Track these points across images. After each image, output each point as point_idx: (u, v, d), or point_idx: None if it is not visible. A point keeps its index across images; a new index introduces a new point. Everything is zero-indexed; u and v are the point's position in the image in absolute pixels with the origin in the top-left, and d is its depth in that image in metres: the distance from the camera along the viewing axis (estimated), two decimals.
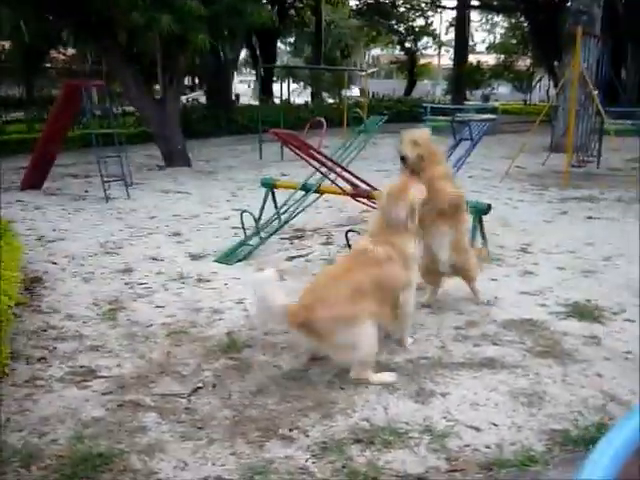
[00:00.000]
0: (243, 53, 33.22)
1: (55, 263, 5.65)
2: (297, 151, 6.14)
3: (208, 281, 5.10)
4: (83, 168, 11.99)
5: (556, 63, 24.88)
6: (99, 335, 3.98)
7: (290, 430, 2.84)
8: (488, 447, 2.70)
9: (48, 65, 24.04)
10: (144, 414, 3.00)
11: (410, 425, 2.85)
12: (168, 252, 6.02)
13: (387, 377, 3.28)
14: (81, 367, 3.53)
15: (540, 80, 41.92)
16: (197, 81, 38.70)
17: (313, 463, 2.60)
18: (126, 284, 5.05)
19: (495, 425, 2.86)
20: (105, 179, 9.02)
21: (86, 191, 9.66)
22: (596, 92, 11.16)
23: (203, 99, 25.66)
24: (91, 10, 10.37)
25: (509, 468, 2.54)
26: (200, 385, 3.30)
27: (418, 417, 2.92)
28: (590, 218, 7.55)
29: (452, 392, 3.15)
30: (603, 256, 5.74)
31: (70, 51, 21.48)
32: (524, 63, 42.17)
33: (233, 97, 27.24)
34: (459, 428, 2.84)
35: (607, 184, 10.11)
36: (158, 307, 4.49)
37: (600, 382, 3.26)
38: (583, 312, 4.24)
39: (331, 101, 32.92)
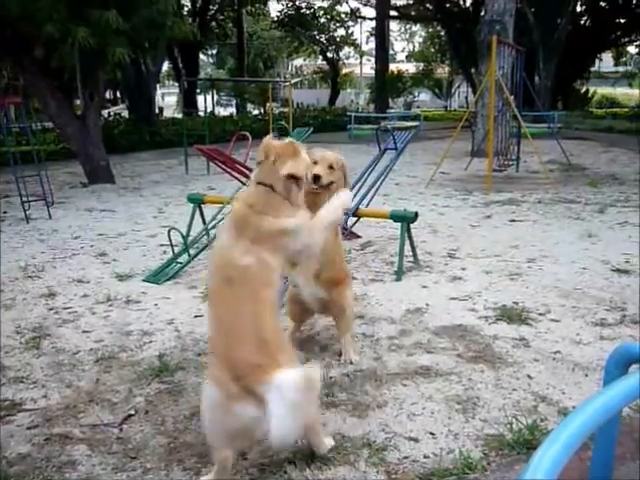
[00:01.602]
0: (165, 65, 32.80)
1: None
2: (222, 166, 6.08)
3: (137, 302, 4.95)
4: (0, 188, 11.51)
5: (473, 70, 25.66)
6: (23, 365, 3.79)
7: None
8: (427, 457, 2.72)
9: None
10: (73, 447, 2.87)
11: (349, 440, 2.84)
12: (94, 273, 5.82)
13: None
14: (4, 401, 3.35)
15: (459, 87, 43.24)
16: (119, 94, 37.95)
17: None
18: (50, 309, 4.84)
19: (432, 434, 2.88)
20: (24, 199, 8.67)
21: (4, 212, 9.26)
22: (512, 98, 11.55)
23: (126, 113, 25.16)
24: (4, 23, 9.98)
25: (448, 477, 2.56)
26: (132, 412, 3.18)
27: (357, 431, 2.91)
28: (513, 221, 7.78)
29: (389, 403, 3.16)
30: (528, 258, 5.92)
31: None
32: (443, 71, 43.38)
33: (157, 110, 26.82)
34: (397, 440, 2.84)
35: (527, 186, 10.47)
36: (85, 332, 4.33)
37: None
38: (511, 315, 4.35)
39: (256, 112, 32.89)
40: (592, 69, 39.06)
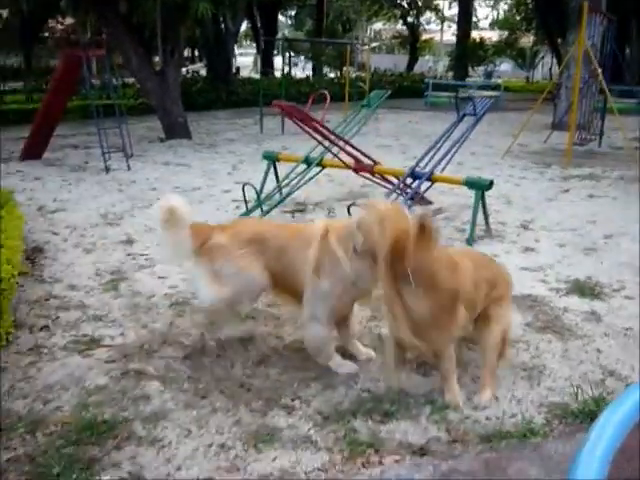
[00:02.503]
0: (244, 25, 32.90)
1: (56, 233, 5.65)
2: (300, 124, 6.12)
3: None
4: (83, 139, 11.95)
5: (560, 40, 24.64)
6: (102, 305, 3.99)
7: (292, 400, 2.87)
8: (488, 419, 2.73)
9: (46, 35, 23.80)
10: (147, 383, 3.02)
11: (412, 397, 2.88)
12: None
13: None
14: (84, 336, 3.55)
15: (543, 58, 41.61)
16: (197, 53, 38.38)
17: (315, 432, 2.63)
18: (128, 255, 5.06)
19: (496, 398, 2.88)
20: (105, 150, 8.99)
21: (86, 162, 9.63)
22: (600, 70, 11.08)
23: (203, 71, 25.46)
24: None
25: (509, 439, 2.57)
26: (204, 353, 3.33)
27: (421, 389, 2.95)
28: (592, 196, 7.54)
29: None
30: (605, 234, 5.75)
31: (69, 20, 21.22)
32: (527, 40, 41.79)
33: (234, 70, 27.02)
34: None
35: (609, 162, 10.09)
36: (160, 278, 4.50)
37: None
38: (583, 289, 4.26)
39: (332, 75, 32.68)
40: None
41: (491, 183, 5.42)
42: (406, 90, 24.78)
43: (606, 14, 12.25)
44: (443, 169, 6.21)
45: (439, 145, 6.16)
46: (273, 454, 2.50)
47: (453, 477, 2.35)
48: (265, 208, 5.98)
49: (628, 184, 8.35)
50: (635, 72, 21.23)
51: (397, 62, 39.98)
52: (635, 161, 9.69)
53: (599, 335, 3.58)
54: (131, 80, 16.33)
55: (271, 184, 6.64)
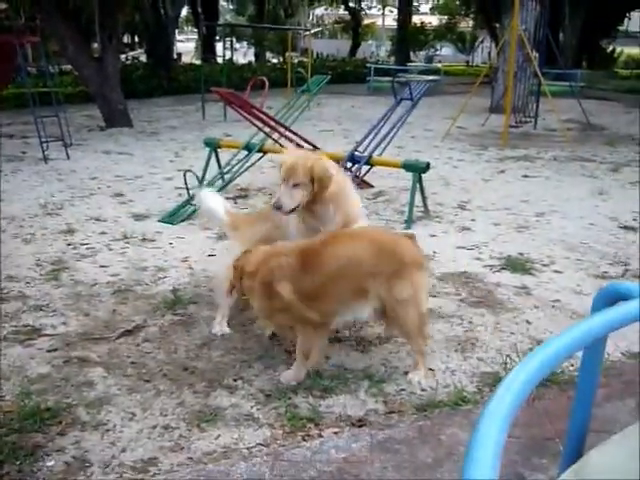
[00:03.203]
0: (185, 10, 32.38)
1: None
2: (239, 110, 6.14)
3: (152, 240, 5.11)
4: (19, 128, 11.62)
5: (497, 25, 25.15)
6: (43, 295, 3.97)
7: (235, 380, 2.95)
8: (424, 390, 2.86)
9: None
10: (91, 369, 3.05)
11: (351, 372, 2.99)
12: (111, 213, 5.97)
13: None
14: (25, 326, 3.53)
15: (482, 42, 42.28)
16: (137, 39, 37.59)
17: (258, 410, 2.71)
18: (69, 245, 5.01)
19: (431, 370, 3.02)
20: (43, 139, 8.79)
21: (23, 152, 9.39)
22: (535, 54, 11.40)
23: (144, 58, 24.99)
24: None
25: (442, 408, 2.71)
26: (129, 328, 3.39)
27: (359, 364, 3.06)
28: (526, 177, 7.81)
29: (390, 340, 3.31)
30: (537, 212, 5.99)
31: (0, 5, 20.49)
32: (467, 24, 42.43)
33: (175, 56, 26.62)
34: (397, 374, 2.99)
35: (543, 144, 10.43)
36: (102, 267, 4.49)
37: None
38: (515, 264, 4.46)
39: (275, 61, 32.52)
40: (620, 28, 38.04)
41: (427, 165, 5.57)
42: (349, 75, 24.87)
43: (539, 0, 12.58)
44: (381, 153, 6.34)
45: (377, 129, 6.28)
46: (216, 432, 2.57)
47: (389, 445, 2.47)
48: None
49: (560, 164, 8.66)
50: (568, 56, 21.87)
51: (340, 47, 39.97)
52: (568, 142, 10.05)
53: (529, 308, 3.76)
54: (70, 67, 15.91)
55: (213, 171, 6.65)
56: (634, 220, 5.70)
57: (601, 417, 2.61)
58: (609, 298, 1.92)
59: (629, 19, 40.20)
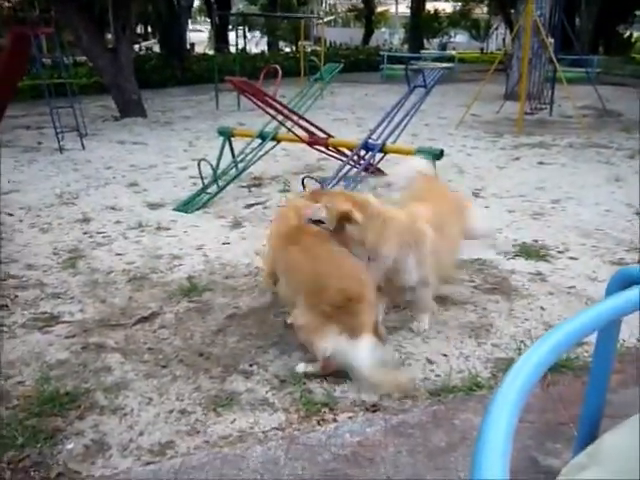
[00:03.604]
0: (197, 0, 32.37)
1: (11, 214, 5.61)
2: (253, 99, 6.15)
3: (167, 229, 5.14)
4: (35, 119, 11.71)
5: (512, 11, 24.90)
6: (60, 283, 4.02)
7: (250, 365, 2.97)
8: (438, 376, 2.88)
9: None
10: (108, 355, 3.09)
11: None
12: (126, 202, 6.02)
13: None
14: (43, 313, 3.58)
15: (497, 28, 41.89)
16: (150, 29, 37.63)
17: (273, 395, 2.74)
18: (85, 233, 5.06)
19: (445, 355, 3.03)
20: (58, 130, 8.86)
21: (39, 142, 9.48)
22: (551, 40, 11.28)
23: (157, 48, 25.04)
24: None
25: (456, 393, 2.72)
26: (145, 315, 3.42)
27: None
28: (541, 164, 7.75)
29: (405, 327, 3.32)
30: (552, 199, 5.95)
31: None
32: (481, 11, 42.03)
33: (188, 46, 26.61)
34: (411, 360, 3.00)
35: (559, 131, 10.35)
36: (118, 255, 4.54)
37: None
38: (530, 251, 4.44)
39: (288, 50, 32.43)
40: (637, 13, 37.50)
41: (441, 152, 5.55)
42: (362, 63, 24.79)
43: None
44: (395, 141, 6.32)
45: (391, 117, 6.26)
46: (232, 417, 2.60)
47: (403, 429, 2.49)
48: (221, 183, 6.02)
49: (576, 151, 8.60)
50: (584, 42, 21.63)
51: (353, 35, 39.74)
52: (583, 128, 9.96)
53: (543, 294, 3.75)
54: (84, 58, 15.97)
55: (227, 160, 6.67)
56: None
57: (616, 403, 2.59)
58: (622, 282, 1.92)
59: None
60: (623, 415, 1.32)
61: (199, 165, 6.00)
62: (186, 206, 5.69)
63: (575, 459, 1.30)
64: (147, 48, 25.34)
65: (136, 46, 22.21)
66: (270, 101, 5.97)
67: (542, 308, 3.55)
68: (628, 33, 36.32)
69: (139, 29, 35.81)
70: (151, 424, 2.56)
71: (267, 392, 2.76)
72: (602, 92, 13.29)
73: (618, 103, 14.13)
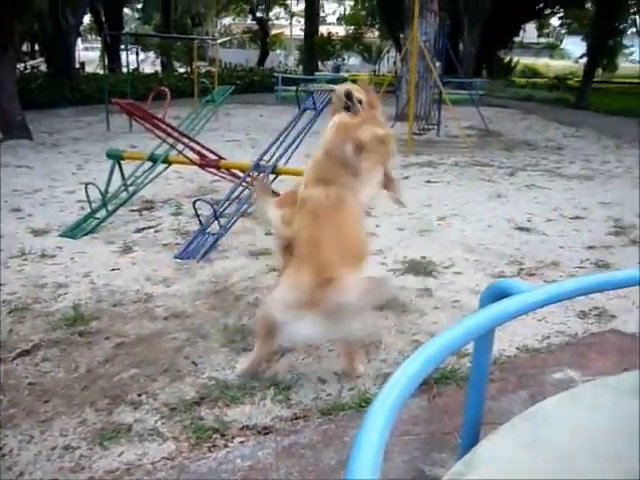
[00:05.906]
0: (87, 18, 31.50)
1: None
2: (141, 121, 6.04)
3: (52, 256, 4.93)
4: None
5: (401, 35, 25.87)
6: None
7: (139, 395, 2.89)
8: (329, 395, 2.91)
9: None
10: None
11: (258, 381, 3.00)
12: (8, 228, 5.72)
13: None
14: None
15: (388, 52, 43.34)
16: (37, 47, 36.23)
17: (162, 424, 2.68)
18: None
19: (336, 374, 3.08)
20: None
21: None
22: (438, 64, 11.80)
23: (44, 67, 24.11)
24: None
25: (346, 410, 2.76)
26: (26, 348, 3.28)
27: (265, 373, 3.08)
28: (429, 182, 8.06)
29: (297, 349, 3.34)
30: (438, 216, 6.20)
31: None
32: (373, 35, 43.39)
33: (77, 65, 25.82)
34: (303, 380, 3.03)
35: (446, 150, 10.80)
36: None
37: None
38: (418, 268, 4.60)
39: (182, 70, 32.13)
40: (516, 39, 39.99)
41: None
42: (257, 85, 24.94)
43: (438, 13, 13.05)
44: (287, 161, 6.38)
45: (282, 139, 6.32)
46: (119, 449, 2.52)
47: (294, 450, 2.50)
48: (111, 208, 5.86)
49: (461, 169, 9.01)
50: (468, 66, 22.77)
51: (248, 57, 39.91)
52: (468, 148, 10.45)
53: (430, 308, 3.89)
54: None
55: (118, 183, 6.50)
56: (528, 221, 6.01)
57: (496, 410, 2.74)
58: (494, 295, 2.02)
59: (524, 31, 42.32)
60: (504, 422, 1.39)
61: (86, 189, 5.81)
62: (73, 231, 5.49)
63: (453, 468, 1.34)
64: (33, 67, 24.29)
65: (21, 65, 21.27)
66: (159, 123, 5.89)
67: (429, 322, 3.68)
68: (508, 58, 38.63)
69: (25, 47, 34.38)
70: (32, 463, 2.44)
71: (156, 422, 2.69)
72: (485, 113, 14.05)
73: (500, 124, 14.98)
